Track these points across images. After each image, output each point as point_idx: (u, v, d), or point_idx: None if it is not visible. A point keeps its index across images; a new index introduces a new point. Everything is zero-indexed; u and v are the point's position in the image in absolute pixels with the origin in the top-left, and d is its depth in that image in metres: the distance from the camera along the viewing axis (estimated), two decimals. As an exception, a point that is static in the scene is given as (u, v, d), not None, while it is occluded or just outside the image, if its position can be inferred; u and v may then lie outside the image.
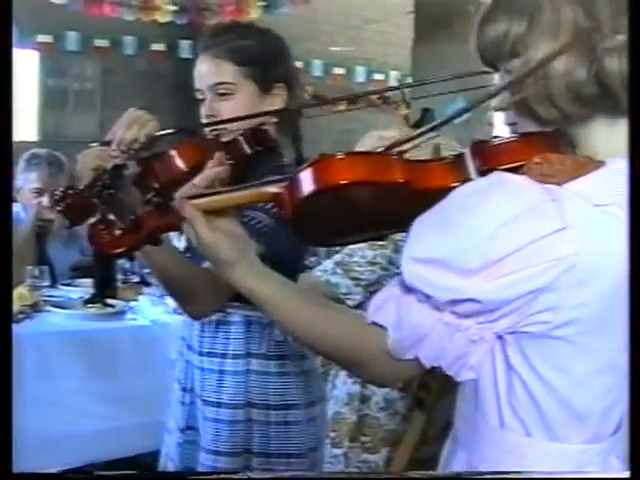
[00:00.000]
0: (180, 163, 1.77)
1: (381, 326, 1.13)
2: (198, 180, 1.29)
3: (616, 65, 1.08)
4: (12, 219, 1.26)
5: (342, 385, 2.65)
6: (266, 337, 1.91)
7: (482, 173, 1.12)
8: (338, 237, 1.32)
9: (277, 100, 1.92)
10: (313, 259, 3.99)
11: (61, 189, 1.70)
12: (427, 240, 1.08)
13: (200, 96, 1.92)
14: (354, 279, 2.55)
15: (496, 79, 1.23)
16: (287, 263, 1.64)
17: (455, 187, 1.10)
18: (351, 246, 2.57)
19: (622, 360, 1.13)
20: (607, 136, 1.13)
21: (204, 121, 1.90)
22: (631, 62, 1.07)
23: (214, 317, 1.91)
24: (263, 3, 6.75)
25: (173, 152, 1.79)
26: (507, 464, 1.15)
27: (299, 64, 8.77)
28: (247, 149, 1.84)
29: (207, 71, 1.90)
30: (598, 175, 1.08)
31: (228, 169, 1.46)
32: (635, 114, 1.08)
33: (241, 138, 1.84)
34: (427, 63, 7.30)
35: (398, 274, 1.13)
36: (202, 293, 1.73)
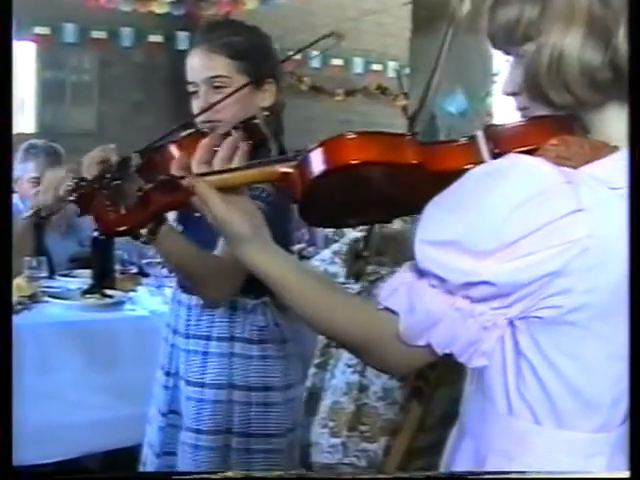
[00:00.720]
0: (179, 156, 1.80)
1: (393, 312, 1.12)
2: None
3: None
4: (12, 210, 1.25)
5: (341, 375, 2.66)
6: (249, 322, 1.99)
7: (495, 156, 1.11)
8: (346, 218, 1.31)
9: (267, 95, 1.99)
10: (311, 249, 3.99)
11: (74, 180, 1.74)
12: (440, 222, 1.07)
13: (193, 89, 1.98)
14: (352, 268, 2.56)
15: (505, 65, 1.20)
16: (281, 228, 1.69)
17: (468, 169, 1.09)
18: (349, 235, 2.57)
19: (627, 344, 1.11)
20: (620, 122, 1.12)
21: (200, 118, 1.95)
22: (631, 61, 1.07)
23: (200, 301, 1.98)
24: (260, -6, 6.75)
25: (172, 146, 1.85)
26: (515, 452, 1.14)
27: (297, 55, 8.77)
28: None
29: (201, 64, 1.96)
30: (614, 159, 1.08)
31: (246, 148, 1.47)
32: (635, 106, 1.08)
33: (234, 132, 1.86)
34: (425, 54, 7.28)
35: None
36: (213, 279, 1.82)
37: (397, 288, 1.12)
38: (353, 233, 2.62)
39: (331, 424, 2.61)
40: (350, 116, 9.53)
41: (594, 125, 1.14)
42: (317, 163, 1.13)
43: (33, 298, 3.10)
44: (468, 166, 1.10)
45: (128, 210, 1.26)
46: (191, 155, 1.78)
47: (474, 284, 1.05)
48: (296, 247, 4.10)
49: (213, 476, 1.11)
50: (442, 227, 1.07)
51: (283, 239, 1.89)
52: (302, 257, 3.84)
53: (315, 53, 9.09)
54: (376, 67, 9.83)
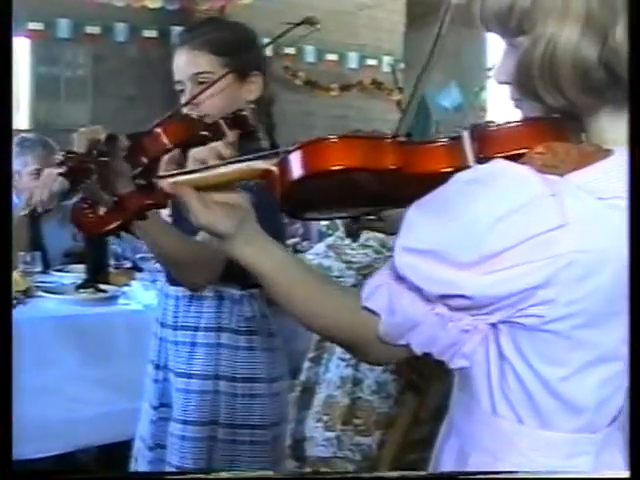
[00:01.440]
0: (165, 140, 1.86)
1: (374, 312, 1.11)
2: (194, 152, 1.28)
3: (627, 54, 1.03)
4: (12, 207, 1.26)
5: (335, 368, 2.66)
6: (236, 312, 2.02)
7: (480, 160, 1.07)
8: (331, 212, 1.31)
9: (253, 87, 2.03)
10: (305, 243, 4.00)
11: (62, 153, 1.79)
12: (421, 230, 1.05)
13: (180, 87, 2.03)
14: (346, 262, 2.56)
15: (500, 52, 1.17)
16: (271, 219, 1.68)
17: (450, 172, 1.06)
18: (343, 229, 2.57)
19: (623, 351, 1.10)
20: (615, 124, 1.09)
21: (185, 110, 1.99)
22: (631, 60, 1.03)
23: (187, 292, 2.02)
24: (255, -12, 6.74)
25: (159, 129, 1.87)
26: (499, 451, 1.14)
27: (291, 50, 8.75)
28: (227, 131, 1.90)
29: (186, 62, 2.01)
30: (604, 165, 1.05)
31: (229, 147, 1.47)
32: (635, 108, 1.04)
33: (222, 121, 1.92)
34: (420, 48, 7.28)
35: (391, 257, 1.11)
36: (195, 264, 1.88)
37: (378, 288, 1.11)
38: (347, 226, 2.62)
39: (325, 418, 2.61)
40: (345, 111, 9.51)
41: (589, 126, 1.11)
42: (296, 167, 1.11)
43: (27, 293, 3.10)
44: (450, 169, 1.07)
45: (106, 212, 1.26)
46: (176, 139, 1.83)
47: (451, 296, 1.04)
48: (291, 241, 4.11)
49: (207, 476, 1.11)
50: (422, 235, 1.04)
51: (275, 229, 1.92)
52: (296, 251, 3.85)
53: (309, 47, 9.10)
54: (371, 62, 9.81)
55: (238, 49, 2.02)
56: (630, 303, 1.04)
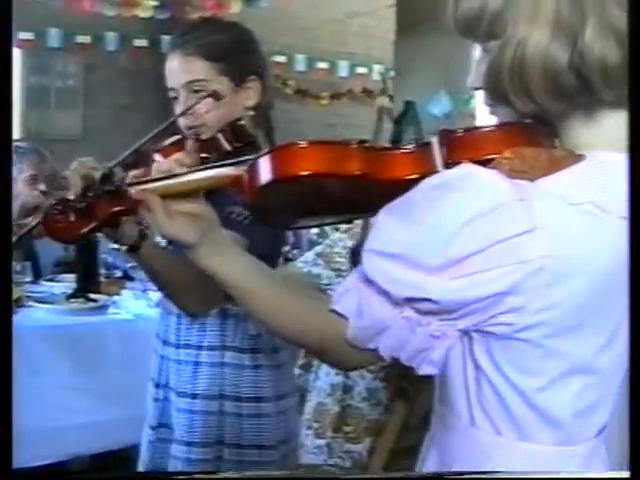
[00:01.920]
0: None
1: (343, 315, 1.11)
2: (158, 165, 1.29)
3: (598, 57, 1.02)
4: (12, 216, 1.26)
5: (325, 376, 2.66)
6: (240, 330, 1.95)
7: (448, 165, 1.06)
8: (299, 221, 1.30)
9: (251, 93, 1.93)
10: (295, 251, 4.00)
11: (54, 202, 1.69)
12: (389, 233, 1.05)
13: (173, 94, 1.93)
14: (336, 270, 2.57)
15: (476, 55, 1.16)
16: (270, 252, 1.69)
17: (418, 179, 1.06)
18: (332, 237, 2.58)
19: (600, 361, 1.10)
20: (588, 129, 1.08)
21: (181, 120, 1.90)
22: (631, 61, 1.03)
23: None
24: (245, -3, 6.74)
25: (157, 155, 1.82)
26: (478, 463, 1.13)
27: (282, 58, 8.76)
28: (227, 146, 1.84)
29: (179, 69, 1.90)
30: (575, 171, 1.04)
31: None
32: (635, 112, 1.03)
33: (220, 135, 1.84)
34: (410, 56, 7.32)
35: None
36: (197, 292, 1.74)
37: (347, 292, 1.11)
38: (337, 234, 2.63)
39: (316, 425, 2.62)
40: (336, 119, 9.52)
41: (561, 132, 1.10)
42: (265, 171, 1.11)
43: (18, 302, 3.10)
44: (418, 175, 1.07)
45: (77, 218, 1.27)
46: None
47: (417, 299, 1.03)
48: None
49: (212, 476, 1.11)
50: (391, 238, 1.04)
51: (275, 240, 1.89)
52: (287, 259, 3.85)
53: (300, 56, 9.11)
54: (361, 70, 9.82)
55: (235, 53, 1.92)
56: (630, 303, 1.02)
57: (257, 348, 1.97)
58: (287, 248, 4.19)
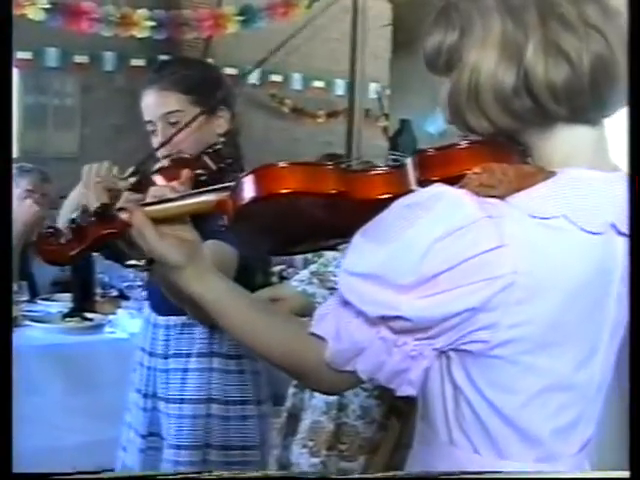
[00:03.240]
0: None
1: (321, 338, 1.12)
2: (153, 190, 1.33)
3: (542, 75, 1.06)
4: (12, 232, 1.28)
5: (320, 394, 2.66)
6: (227, 338, 2.03)
7: (422, 183, 1.09)
8: (285, 247, 1.32)
9: (222, 121, 2.08)
10: (290, 270, 4.02)
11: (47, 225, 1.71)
12: (362, 254, 1.07)
13: (151, 127, 2.06)
14: (330, 289, 2.57)
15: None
16: (260, 262, 1.71)
17: (395, 198, 1.08)
18: (327, 256, 2.59)
19: (579, 378, 1.11)
20: (559, 145, 1.11)
21: (160, 152, 2.02)
22: (631, 63, 1.06)
23: (179, 320, 2.04)
24: (241, 18, 6.77)
25: (159, 177, 1.89)
26: None
27: (278, 77, 8.81)
28: (212, 165, 1.94)
29: (155, 102, 2.04)
30: (546, 187, 1.06)
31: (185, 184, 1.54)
32: (634, 122, 1.06)
33: (205, 156, 1.96)
34: (406, 74, 7.35)
35: None
36: None
37: (326, 315, 1.13)
38: (331, 253, 2.64)
39: (310, 444, 2.62)
40: (332, 138, 9.55)
41: (534, 149, 1.12)
42: (246, 191, 1.14)
43: (14, 322, 3.11)
44: (393, 195, 1.10)
45: (67, 240, 1.29)
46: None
47: (391, 318, 1.04)
48: (276, 268, 4.13)
49: (207, 476, 1.12)
50: (363, 259, 1.06)
51: (262, 264, 2.02)
52: (282, 278, 3.87)
53: (296, 75, 9.15)
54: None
55: (205, 86, 2.06)
56: (630, 303, 1.03)
57: (241, 354, 2.07)
58: (282, 267, 4.22)
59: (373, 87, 9.75)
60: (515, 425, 1.10)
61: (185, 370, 2.06)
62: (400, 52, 8.05)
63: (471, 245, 1.01)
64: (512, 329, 1.04)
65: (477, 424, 1.11)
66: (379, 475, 1.35)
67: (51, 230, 1.30)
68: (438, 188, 1.05)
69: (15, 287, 3.33)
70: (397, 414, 2.49)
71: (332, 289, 2.58)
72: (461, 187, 1.05)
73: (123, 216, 1.23)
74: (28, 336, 3.08)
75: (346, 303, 1.08)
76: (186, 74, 2.06)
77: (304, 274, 2.64)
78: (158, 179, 1.88)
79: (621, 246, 1.08)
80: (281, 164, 1.13)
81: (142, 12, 6.71)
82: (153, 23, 6.69)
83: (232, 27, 6.87)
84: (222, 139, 2.05)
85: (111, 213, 1.25)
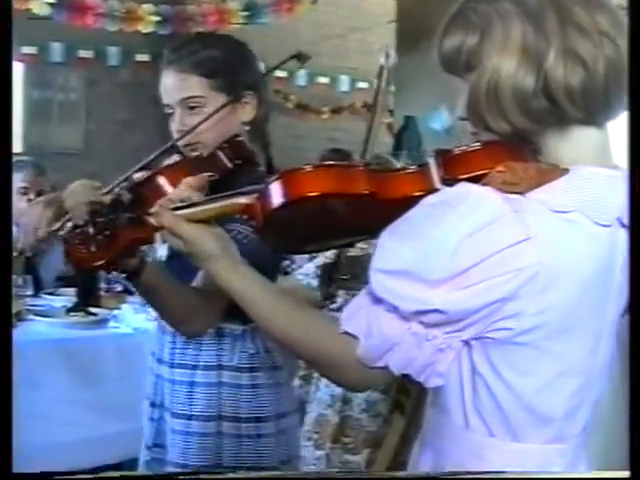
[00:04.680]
0: (168, 186, 1.79)
1: (352, 335, 1.16)
2: (172, 194, 1.34)
3: (561, 79, 1.12)
4: (12, 229, 1.29)
5: (325, 387, 2.67)
6: (238, 349, 1.90)
7: (446, 182, 1.14)
8: (307, 245, 1.35)
9: (248, 108, 1.91)
10: (294, 265, 4.01)
11: (69, 227, 1.63)
12: (393, 251, 1.11)
13: (169, 110, 1.91)
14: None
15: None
16: (268, 271, 1.65)
17: (421, 197, 1.13)
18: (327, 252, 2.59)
19: (591, 362, 1.18)
20: (564, 145, 1.17)
21: (176, 136, 1.89)
22: (631, 66, 1.11)
23: None
24: (246, 13, 6.76)
25: (159, 177, 1.82)
26: (471, 464, 1.18)
27: (283, 73, 8.79)
28: (228, 163, 1.84)
29: (174, 86, 1.88)
30: (562, 183, 1.12)
31: (204, 187, 1.53)
32: (634, 125, 1.11)
33: (220, 153, 1.84)
34: (410, 71, 7.33)
35: None
36: (192, 313, 1.74)
37: (356, 312, 1.16)
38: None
39: (315, 436, 2.63)
40: (336, 134, 9.54)
41: (542, 149, 1.18)
42: (275, 196, 1.17)
43: (18, 316, 3.12)
44: (420, 193, 1.14)
45: (98, 247, 1.31)
46: (178, 182, 1.75)
47: (425, 312, 1.09)
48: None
49: (215, 476, 1.13)
50: (395, 256, 1.10)
51: (273, 258, 1.84)
52: (286, 273, 3.86)
53: (301, 71, 9.14)
54: (362, 85, 9.85)
55: (230, 68, 1.88)
56: (630, 304, 1.10)
57: (255, 366, 1.91)
58: (286, 262, 4.21)
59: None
60: (532, 408, 1.16)
61: (192, 383, 1.91)
62: (405, 49, 8.04)
63: (499, 239, 1.07)
64: (535, 317, 1.10)
65: (495, 408, 1.16)
66: (385, 475, 1.39)
67: (80, 236, 1.32)
68: (464, 186, 1.11)
69: (20, 281, 3.33)
70: (401, 408, 2.49)
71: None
72: (484, 184, 1.10)
73: (152, 219, 1.27)
74: (32, 330, 3.08)
75: (377, 300, 1.13)
76: (208, 55, 1.87)
77: (309, 268, 2.65)
78: (161, 181, 1.82)
79: (622, 238, 1.15)
80: (307, 167, 1.17)
81: (147, 7, 6.72)
82: (158, 18, 6.70)
83: (236, 22, 6.86)
84: (247, 127, 1.91)
85: (142, 218, 1.28)
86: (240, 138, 1.88)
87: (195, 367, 1.91)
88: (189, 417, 1.90)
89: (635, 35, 1.11)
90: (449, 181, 1.14)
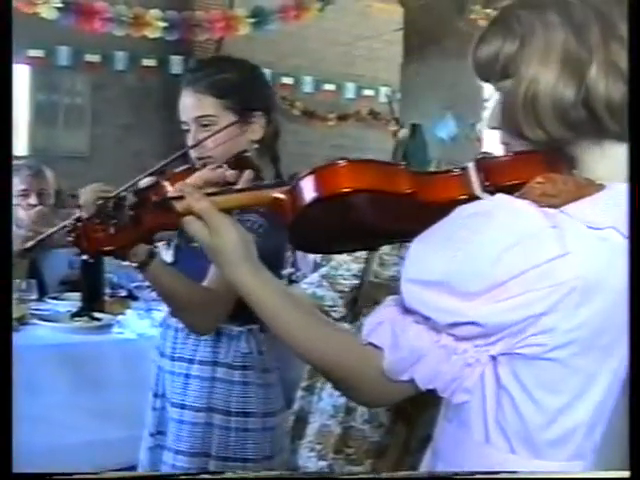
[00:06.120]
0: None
1: (377, 347, 1.12)
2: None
3: (603, 92, 1.11)
4: (12, 232, 1.26)
5: (328, 397, 2.66)
6: (233, 348, 2.04)
7: (486, 188, 1.13)
8: (334, 245, 1.32)
9: (256, 127, 2.07)
10: (299, 273, 4.01)
11: (72, 220, 1.68)
12: (427, 261, 1.08)
13: (185, 127, 2.09)
14: (339, 292, 2.57)
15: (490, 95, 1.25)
16: (274, 261, 1.73)
17: (460, 201, 1.11)
18: (337, 259, 2.59)
19: (612, 381, 1.16)
20: (599, 160, 1.16)
21: (191, 151, 2.06)
22: (631, 67, 1.11)
23: None
24: (253, 20, 6.78)
25: (166, 183, 1.87)
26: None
27: (289, 80, 8.82)
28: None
29: (190, 105, 2.06)
30: (598, 198, 1.10)
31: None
32: (635, 136, 1.11)
33: (225, 166, 1.89)
34: (416, 79, 7.35)
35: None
36: (201, 310, 1.91)
37: (381, 323, 1.13)
38: (340, 257, 2.64)
39: (318, 447, 2.62)
40: (342, 141, 9.56)
41: (581, 162, 1.16)
42: (309, 191, 1.13)
43: (22, 320, 3.11)
44: (460, 197, 1.12)
45: (118, 229, 1.27)
46: None
47: (461, 324, 1.07)
48: (285, 271, 4.12)
49: (212, 476, 1.12)
50: (429, 266, 1.08)
51: (281, 250, 2.02)
52: (291, 281, 3.86)
53: (307, 78, 9.17)
54: (368, 92, 9.87)
55: (241, 91, 2.06)
56: (631, 304, 1.09)
57: (248, 366, 2.05)
58: (291, 270, 4.21)
59: (383, 91, 9.77)
60: (556, 423, 1.14)
61: (187, 376, 2.06)
62: (411, 57, 8.05)
63: (539, 253, 1.05)
64: (569, 333, 1.08)
65: (518, 424, 1.14)
66: (385, 475, 1.35)
67: (100, 217, 1.28)
68: (502, 198, 1.10)
69: (24, 285, 3.32)
70: (404, 419, 2.48)
71: (341, 292, 2.58)
72: (522, 195, 1.09)
73: (183, 204, 1.19)
74: (36, 335, 3.07)
75: (406, 311, 1.10)
76: (222, 77, 2.06)
77: (314, 277, 2.64)
78: (168, 187, 1.85)
79: None
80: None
81: (154, 12, 6.74)
82: (165, 24, 6.72)
83: (244, 29, 6.88)
84: (255, 146, 2.06)
85: (168, 203, 1.21)
86: (247, 154, 1.99)
87: (192, 361, 2.06)
88: (182, 406, 2.05)
89: (635, 35, 1.11)
90: (489, 187, 1.13)
